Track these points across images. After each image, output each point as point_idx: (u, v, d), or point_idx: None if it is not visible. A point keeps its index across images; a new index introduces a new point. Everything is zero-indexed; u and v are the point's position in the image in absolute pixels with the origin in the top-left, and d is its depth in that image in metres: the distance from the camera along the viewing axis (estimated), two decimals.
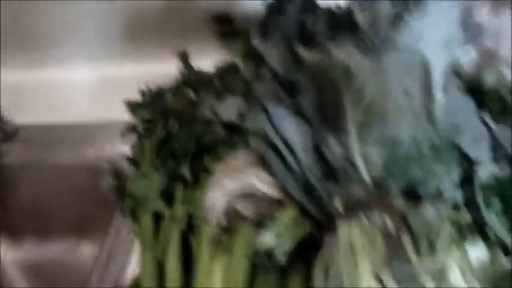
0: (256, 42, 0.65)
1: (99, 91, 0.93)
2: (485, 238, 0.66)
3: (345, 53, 0.51)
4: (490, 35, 0.89)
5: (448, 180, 0.53)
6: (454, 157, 0.54)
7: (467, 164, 0.64)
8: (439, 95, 0.53)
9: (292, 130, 0.56)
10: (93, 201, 0.81)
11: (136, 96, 0.81)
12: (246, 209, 0.59)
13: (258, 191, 0.59)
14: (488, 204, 0.67)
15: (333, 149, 0.53)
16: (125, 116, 0.80)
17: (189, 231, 0.67)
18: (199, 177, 0.69)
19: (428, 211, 0.51)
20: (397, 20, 0.52)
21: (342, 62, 0.51)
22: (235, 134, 0.67)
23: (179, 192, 0.70)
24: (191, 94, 0.78)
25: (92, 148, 0.88)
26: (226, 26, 0.87)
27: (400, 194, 0.52)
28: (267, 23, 0.64)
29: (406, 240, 0.50)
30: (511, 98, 0.68)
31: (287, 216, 0.57)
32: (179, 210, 0.68)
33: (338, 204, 0.53)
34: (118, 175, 0.77)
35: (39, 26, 0.93)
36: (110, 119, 0.84)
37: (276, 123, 0.56)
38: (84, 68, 0.96)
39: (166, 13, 0.88)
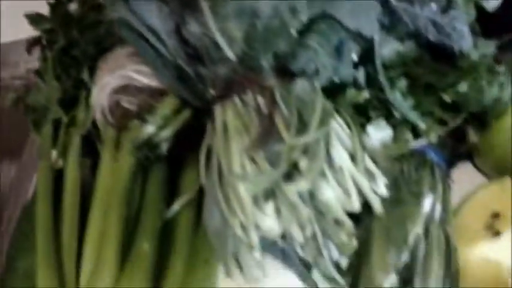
0: None
1: (10, 10, 0.89)
2: (391, 117, 0.66)
3: None
4: None
5: (323, 54, 0.50)
6: (332, 29, 0.51)
7: (366, 41, 0.63)
8: None
9: (154, 15, 0.51)
10: (10, 121, 0.79)
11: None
12: (129, 103, 0.57)
13: (139, 83, 0.57)
14: (392, 83, 0.66)
15: (192, 28, 0.49)
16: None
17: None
18: None
19: (300, 86, 0.48)
20: None
21: None
22: None
23: (82, 97, 0.68)
24: None
25: (6, 68, 0.85)
26: None
27: (272, 71, 0.49)
28: None
29: (278, 119, 0.48)
30: None
31: (166, 106, 0.55)
32: (80, 115, 0.66)
33: (210, 87, 0.50)
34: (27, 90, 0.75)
35: None
36: (23, 37, 0.81)
37: (137, 10, 0.52)
38: None
39: None
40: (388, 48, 0.62)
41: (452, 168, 0.68)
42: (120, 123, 0.58)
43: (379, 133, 0.61)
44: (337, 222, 0.48)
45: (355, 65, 0.61)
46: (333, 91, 0.60)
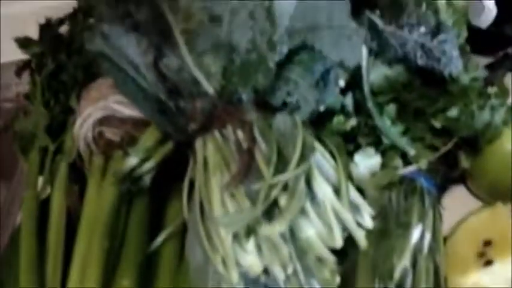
0: None
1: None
2: (380, 143, 0.65)
3: None
4: None
5: (304, 86, 0.49)
6: (314, 59, 0.49)
7: (354, 68, 0.62)
8: None
9: (132, 48, 0.50)
10: (1, 142, 0.78)
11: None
12: (113, 134, 0.56)
13: (121, 114, 0.56)
14: (381, 109, 0.64)
15: (170, 62, 0.48)
16: None
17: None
18: None
19: (280, 121, 0.47)
20: None
21: None
22: None
23: (70, 124, 0.67)
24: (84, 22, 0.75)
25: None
26: None
27: (252, 104, 0.48)
28: None
29: (258, 154, 0.46)
30: None
31: (148, 138, 0.54)
32: (68, 142, 0.65)
33: (190, 121, 0.49)
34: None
35: None
36: (14, 59, 0.80)
37: (115, 43, 0.51)
38: None
39: None
40: (376, 73, 0.61)
41: (444, 193, 0.67)
42: (104, 153, 0.57)
43: (367, 161, 0.60)
44: (320, 259, 0.47)
45: (343, 91, 0.61)
46: (320, 118, 0.60)
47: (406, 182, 0.60)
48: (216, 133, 0.49)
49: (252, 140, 0.47)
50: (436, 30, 0.61)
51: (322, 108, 0.55)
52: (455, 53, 0.61)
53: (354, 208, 0.52)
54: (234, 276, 0.46)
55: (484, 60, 0.85)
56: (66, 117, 0.68)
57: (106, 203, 0.53)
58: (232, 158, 0.48)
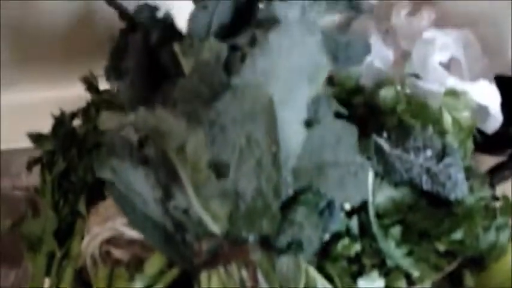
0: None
1: (13, 118, 0.89)
2: (384, 265, 0.64)
3: (153, 118, 0.46)
4: (405, 36, 0.83)
5: (309, 227, 0.48)
6: (319, 196, 0.49)
7: None
8: (291, 134, 0.47)
9: (140, 182, 0.49)
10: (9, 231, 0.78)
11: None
12: (119, 253, 0.56)
13: (128, 236, 0.56)
14: (386, 233, 0.64)
15: (177, 202, 0.48)
16: None
17: None
18: None
19: (283, 263, 0.47)
20: (235, 60, 0.46)
21: (153, 127, 0.46)
22: None
23: (78, 228, 0.67)
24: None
25: (8, 177, 0.85)
26: None
27: (257, 245, 0.47)
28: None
29: None
30: (409, 115, 0.64)
31: (154, 264, 0.53)
32: (75, 248, 0.65)
33: (196, 256, 0.49)
34: (32, 207, 0.74)
35: None
36: (25, 146, 0.80)
37: (124, 176, 0.51)
38: None
39: (73, 35, 0.84)
40: (382, 195, 0.60)
41: None
42: (109, 270, 0.57)
43: (370, 286, 0.59)
44: None
45: (348, 214, 0.61)
46: (325, 242, 0.59)
47: None
48: (221, 269, 0.49)
49: (255, 281, 0.46)
50: (442, 153, 0.60)
51: (327, 236, 0.56)
52: (461, 176, 0.60)
53: None
54: None
55: (490, 160, 0.86)
56: (74, 220, 0.68)
57: None
58: None
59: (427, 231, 0.61)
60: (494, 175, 0.82)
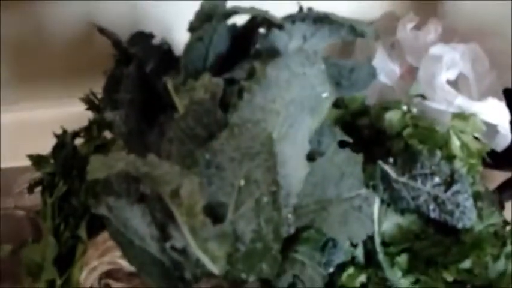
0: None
1: (15, 136, 0.87)
2: None
3: (145, 164, 0.42)
4: (411, 51, 0.80)
5: (311, 265, 0.45)
6: (319, 238, 0.46)
7: None
8: (293, 171, 0.44)
9: (137, 219, 0.47)
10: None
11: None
12: (118, 286, 0.54)
13: (127, 269, 0.54)
14: (392, 262, 0.61)
15: (174, 243, 0.45)
16: None
17: None
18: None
19: None
20: (232, 95, 0.43)
21: (145, 173, 0.42)
22: None
23: (79, 253, 0.65)
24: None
25: (10, 196, 0.83)
26: None
27: (258, 285, 0.45)
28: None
29: None
30: (416, 139, 0.61)
31: None
32: (75, 275, 0.63)
33: None
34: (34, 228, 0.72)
35: None
36: (28, 165, 0.78)
37: (120, 214, 0.48)
38: None
39: (73, 53, 0.81)
40: (388, 223, 0.57)
41: None
42: None
43: None
44: None
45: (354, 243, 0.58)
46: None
47: None
48: None
49: None
50: (450, 179, 0.57)
51: (331, 269, 0.53)
52: (469, 203, 0.57)
53: None
54: None
55: (500, 175, 0.83)
56: (74, 244, 0.66)
57: None
58: None
59: (435, 259, 0.58)
60: (503, 192, 0.80)
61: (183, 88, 0.45)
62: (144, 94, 0.49)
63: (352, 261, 0.57)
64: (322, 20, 0.50)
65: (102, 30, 0.59)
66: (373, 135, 0.62)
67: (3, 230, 0.79)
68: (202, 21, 0.50)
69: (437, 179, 0.56)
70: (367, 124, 0.62)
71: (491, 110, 0.67)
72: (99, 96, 0.77)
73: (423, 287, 0.58)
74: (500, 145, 0.71)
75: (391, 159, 0.57)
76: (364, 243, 0.58)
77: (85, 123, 0.75)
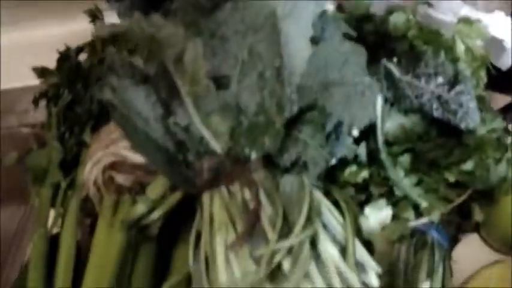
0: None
1: (17, 56, 0.85)
2: (392, 194, 0.60)
3: (150, 24, 0.41)
4: None
5: (314, 146, 0.45)
6: (324, 118, 0.45)
7: None
8: (296, 50, 0.43)
9: (141, 101, 0.46)
10: (17, 169, 0.76)
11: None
12: (122, 178, 0.53)
13: (131, 160, 0.53)
14: (395, 159, 0.60)
15: (178, 120, 0.45)
16: None
17: None
18: None
19: (287, 183, 0.43)
20: None
21: (150, 34, 0.41)
22: None
23: (84, 158, 0.64)
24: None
25: (14, 115, 0.82)
26: None
27: (260, 164, 0.44)
28: None
29: (264, 216, 0.42)
30: (421, 40, 0.59)
31: (157, 187, 0.50)
32: (80, 177, 0.61)
33: (198, 177, 0.46)
34: (39, 142, 0.72)
35: None
36: (32, 84, 0.77)
37: (124, 96, 0.47)
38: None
39: None
40: (392, 122, 0.56)
41: (456, 244, 0.63)
42: (115, 197, 0.54)
43: (377, 213, 0.55)
44: None
45: (357, 141, 0.56)
46: (332, 168, 0.56)
47: (417, 235, 0.57)
48: (223, 189, 0.46)
49: (258, 201, 0.43)
50: (454, 80, 0.56)
51: (333, 161, 0.52)
52: (473, 105, 0.56)
53: (360, 267, 0.49)
54: None
55: (502, 98, 0.81)
56: (79, 151, 0.65)
57: (114, 248, 0.50)
58: (238, 216, 0.44)
59: (437, 161, 0.57)
60: (507, 114, 0.79)
61: None
62: None
63: (355, 159, 0.57)
64: None
65: None
66: (378, 40, 0.60)
67: (8, 149, 0.79)
68: None
69: (440, 79, 0.55)
70: (372, 30, 0.61)
71: (497, 23, 0.65)
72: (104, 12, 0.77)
73: (425, 188, 0.58)
74: (506, 63, 0.69)
75: (395, 59, 0.56)
76: (367, 142, 0.57)
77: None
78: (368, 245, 0.53)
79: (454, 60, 0.58)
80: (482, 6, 0.68)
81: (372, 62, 0.55)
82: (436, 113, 0.55)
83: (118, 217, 0.52)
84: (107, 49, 0.47)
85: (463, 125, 0.55)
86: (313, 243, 0.45)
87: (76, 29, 0.74)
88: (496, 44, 0.67)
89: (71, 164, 0.65)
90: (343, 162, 0.55)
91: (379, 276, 0.50)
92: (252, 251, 0.42)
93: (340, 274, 0.46)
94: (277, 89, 0.42)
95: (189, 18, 0.42)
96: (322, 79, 0.46)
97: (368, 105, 0.48)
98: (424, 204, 0.56)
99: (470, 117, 0.56)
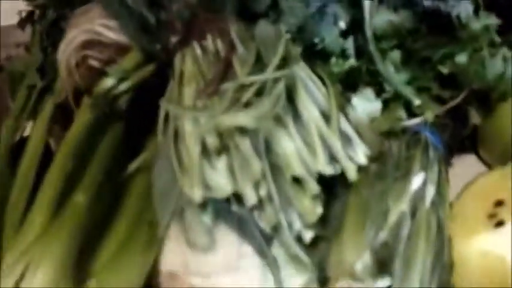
0: None
1: None
2: (382, 91, 0.56)
3: None
4: None
5: None
6: None
7: (357, 8, 0.54)
8: None
9: None
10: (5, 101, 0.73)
11: None
12: (95, 60, 0.50)
13: (106, 38, 0.49)
14: (384, 55, 0.56)
15: None
16: None
17: None
18: None
19: (262, 28, 0.39)
20: None
21: None
22: None
23: None
24: None
25: (5, 49, 0.80)
26: None
27: (234, 13, 0.40)
28: None
29: (236, 61, 0.38)
30: None
31: (128, 60, 0.46)
32: (59, 81, 0.58)
33: (171, 33, 0.42)
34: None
35: None
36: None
37: None
38: None
39: None
40: (380, 18, 0.51)
41: (451, 155, 0.58)
42: (85, 81, 0.51)
43: (366, 105, 0.50)
44: (298, 183, 0.38)
45: (344, 34, 0.52)
46: (317, 60, 0.52)
47: (410, 133, 0.52)
48: (195, 45, 0.42)
49: (231, 47, 0.39)
50: None
51: (318, 43, 0.48)
52: None
53: (346, 140, 0.44)
54: (197, 194, 0.37)
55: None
56: None
57: (79, 125, 0.47)
58: (209, 69, 0.40)
59: (429, 57, 0.53)
60: None
61: None
62: None
63: (342, 54, 0.53)
64: None
65: None
66: None
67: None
68: None
69: None
70: None
71: None
72: None
73: (417, 86, 0.53)
74: None
75: None
76: (355, 37, 0.54)
77: None
78: None
79: None
80: None
81: None
82: (427, 2, 0.52)
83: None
84: None
85: (454, 13, 0.51)
86: (291, 98, 0.41)
87: None
88: None
89: (50, 72, 0.63)
90: (330, 54, 0.52)
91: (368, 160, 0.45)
92: (222, 95, 0.38)
93: (322, 138, 0.41)
94: None
95: None
96: None
97: None
98: (416, 102, 0.52)
99: (462, 6, 0.52)
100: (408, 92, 0.52)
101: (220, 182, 0.38)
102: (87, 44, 0.49)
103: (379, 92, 0.52)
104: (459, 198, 0.52)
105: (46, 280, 0.39)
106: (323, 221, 0.41)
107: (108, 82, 0.46)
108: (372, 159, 0.45)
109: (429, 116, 0.52)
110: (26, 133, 0.60)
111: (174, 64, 0.44)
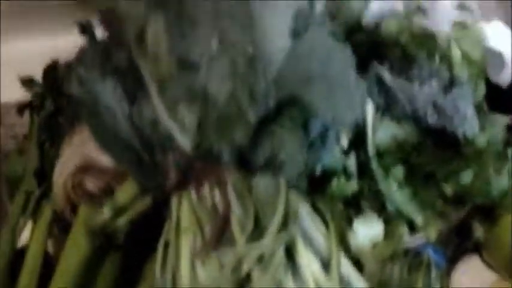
0: None
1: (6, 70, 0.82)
2: (384, 210, 0.54)
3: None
4: None
5: (292, 143, 0.38)
6: (305, 115, 0.38)
7: (357, 125, 0.52)
8: (273, 39, 0.37)
9: (109, 93, 0.40)
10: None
11: None
12: (92, 184, 0.48)
13: (101, 163, 0.47)
14: (387, 172, 0.54)
15: (143, 112, 0.39)
16: None
17: None
18: None
19: (261, 183, 0.37)
20: None
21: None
22: None
23: None
24: None
25: (1, 128, 0.78)
26: None
27: (232, 162, 0.38)
28: None
29: (234, 220, 0.36)
30: (414, 45, 0.54)
31: (124, 192, 0.45)
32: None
33: (166, 176, 0.40)
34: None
35: None
36: (19, 98, 0.74)
37: (92, 89, 0.41)
38: None
39: None
40: (383, 132, 0.49)
41: (455, 265, 0.56)
42: (83, 201, 0.49)
43: (368, 229, 0.48)
44: None
45: (346, 152, 0.49)
46: (319, 181, 0.48)
47: (412, 254, 0.50)
48: (192, 192, 0.40)
49: (228, 204, 0.38)
50: (450, 84, 0.51)
51: (318, 169, 0.46)
52: (470, 111, 0.50)
53: (345, 284, 0.42)
54: None
55: (503, 119, 0.75)
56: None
57: (77, 255, 0.45)
58: (206, 220, 0.38)
59: (433, 173, 0.51)
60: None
61: None
62: None
63: (344, 172, 0.51)
64: None
65: None
66: (369, 49, 0.55)
67: None
68: None
69: (435, 83, 0.50)
70: (362, 41, 0.56)
71: (495, 33, 0.60)
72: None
73: (420, 203, 0.51)
74: (506, 78, 0.63)
75: (386, 64, 0.51)
76: (357, 153, 0.52)
77: None
78: (357, 265, 0.47)
79: (450, 66, 0.53)
80: (479, 15, 0.63)
81: (362, 68, 0.51)
82: (431, 120, 0.49)
83: (83, 223, 0.47)
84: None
85: (460, 132, 0.49)
86: (290, 253, 0.39)
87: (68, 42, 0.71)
88: (494, 57, 0.61)
89: (47, 175, 0.61)
90: (331, 175, 0.50)
91: None
92: (221, 259, 0.36)
93: None
94: (249, 77, 0.37)
95: None
96: (303, 72, 0.39)
97: (353, 100, 0.41)
98: (418, 220, 0.50)
99: (467, 124, 0.50)
100: (410, 210, 0.49)
101: None
102: (84, 169, 0.47)
103: (380, 210, 0.51)
104: None
105: None
106: None
107: (104, 215, 0.44)
108: None
109: (432, 234, 0.50)
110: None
111: (170, 205, 0.42)
